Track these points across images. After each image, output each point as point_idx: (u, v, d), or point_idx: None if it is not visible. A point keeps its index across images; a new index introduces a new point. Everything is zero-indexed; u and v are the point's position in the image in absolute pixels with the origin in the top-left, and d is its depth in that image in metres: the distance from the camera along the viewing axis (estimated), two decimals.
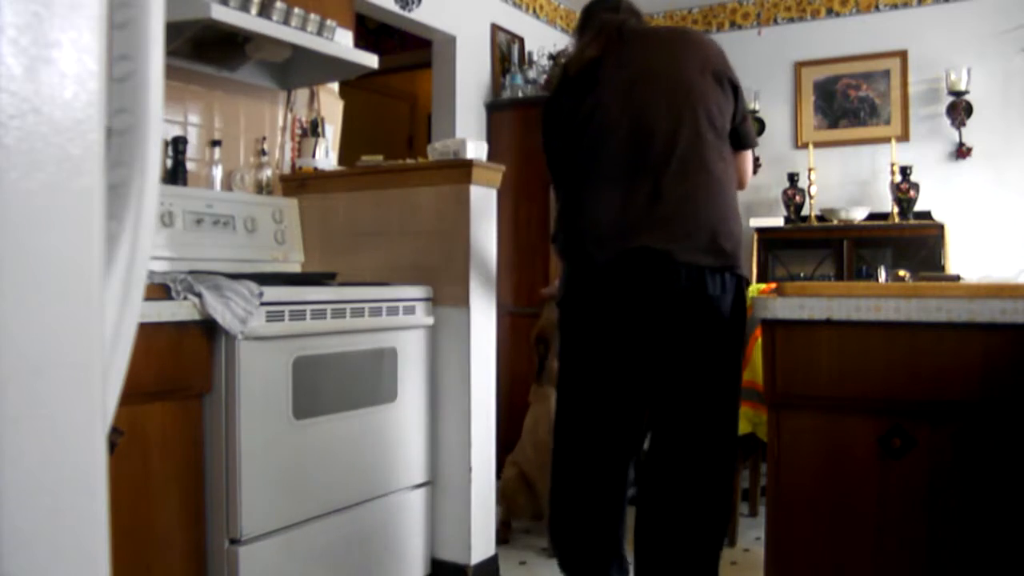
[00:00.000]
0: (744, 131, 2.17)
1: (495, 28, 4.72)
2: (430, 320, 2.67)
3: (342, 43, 2.82)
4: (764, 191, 5.24)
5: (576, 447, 2.18)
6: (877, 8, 5.05)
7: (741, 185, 2.24)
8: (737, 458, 2.16)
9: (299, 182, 3.02)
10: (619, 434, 2.16)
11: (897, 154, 4.77)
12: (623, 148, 2.04)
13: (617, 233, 2.01)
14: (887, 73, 5.04)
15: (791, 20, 5.30)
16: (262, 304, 2.11)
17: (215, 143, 2.83)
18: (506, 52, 4.79)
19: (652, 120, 2.03)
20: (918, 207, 4.72)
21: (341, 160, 3.31)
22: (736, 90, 2.12)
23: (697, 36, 2.22)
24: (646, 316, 2.04)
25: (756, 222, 5.04)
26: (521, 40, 4.91)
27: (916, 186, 4.69)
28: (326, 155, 3.09)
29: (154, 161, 0.70)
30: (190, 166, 2.74)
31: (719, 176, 2.04)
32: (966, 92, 4.72)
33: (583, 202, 2.10)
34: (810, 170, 4.97)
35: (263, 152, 3.00)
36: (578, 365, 2.16)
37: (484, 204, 2.73)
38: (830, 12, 5.19)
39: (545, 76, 4.63)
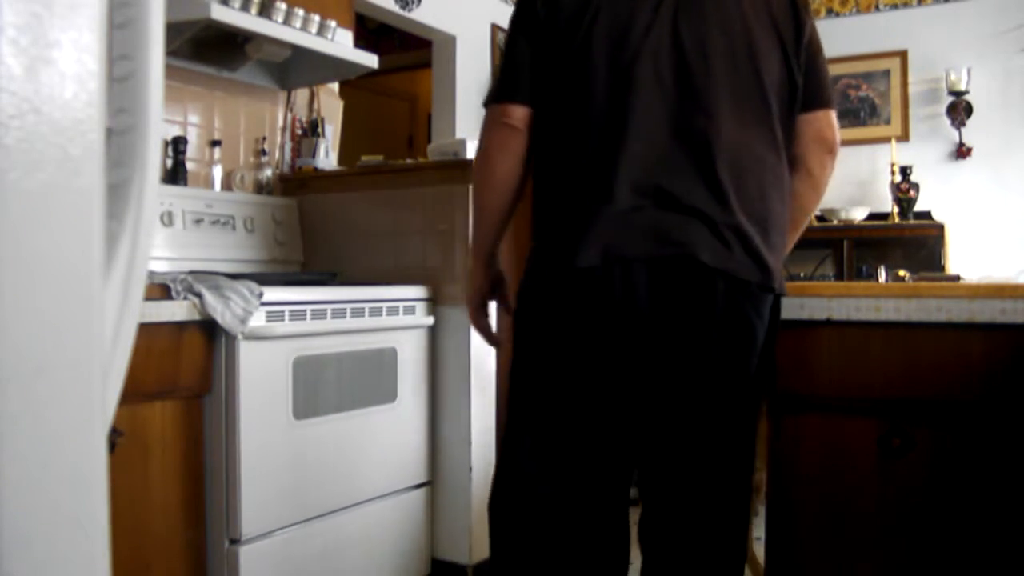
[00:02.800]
0: (808, 86, 1.53)
1: (495, 28, 4.72)
2: (430, 320, 2.67)
3: (342, 43, 2.82)
4: None
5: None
6: (877, 8, 5.05)
7: (828, 148, 1.56)
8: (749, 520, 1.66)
9: (299, 182, 3.02)
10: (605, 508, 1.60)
11: (897, 154, 4.77)
12: (662, 95, 1.42)
13: (642, 229, 1.41)
14: (887, 73, 5.04)
15: None
16: (262, 304, 2.11)
17: (215, 143, 2.83)
18: None
19: (703, 70, 1.43)
20: (918, 207, 4.72)
21: (341, 160, 3.31)
22: (789, 48, 1.50)
23: None
24: (661, 350, 1.43)
25: None
26: None
27: (916, 186, 4.69)
28: (326, 155, 3.09)
29: (154, 161, 0.70)
30: (190, 166, 2.74)
31: (777, 162, 1.48)
32: (966, 92, 4.72)
33: (589, 169, 1.44)
34: None
35: (263, 152, 3.00)
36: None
37: None
38: (830, 12, 5.18)
39: None
